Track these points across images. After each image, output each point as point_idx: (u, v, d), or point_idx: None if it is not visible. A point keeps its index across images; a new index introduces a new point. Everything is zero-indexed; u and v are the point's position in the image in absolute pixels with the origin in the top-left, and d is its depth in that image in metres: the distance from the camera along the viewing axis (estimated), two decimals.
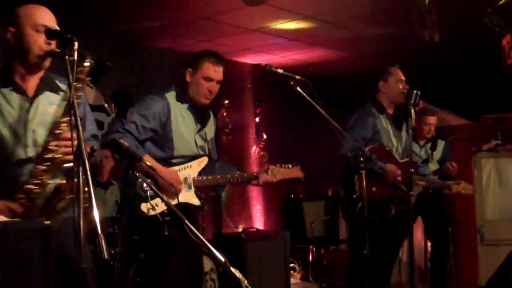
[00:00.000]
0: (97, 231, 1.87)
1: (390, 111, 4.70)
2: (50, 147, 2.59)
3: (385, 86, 4.68)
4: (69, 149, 2.55)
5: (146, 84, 6.64)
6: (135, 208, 3.54)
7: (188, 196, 3.73)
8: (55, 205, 2.48)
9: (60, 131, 2.61)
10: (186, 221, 2.48)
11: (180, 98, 3.75)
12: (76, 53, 2.29)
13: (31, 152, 2.65)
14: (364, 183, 3.69)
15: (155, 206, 3.34)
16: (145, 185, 3.34)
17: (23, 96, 2.71)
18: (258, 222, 7.86)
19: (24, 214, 2.46)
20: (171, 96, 3.75)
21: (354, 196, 4.27)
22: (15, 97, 2.69)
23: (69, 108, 2.20)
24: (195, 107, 3.77)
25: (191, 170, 3.75)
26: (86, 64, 2.66)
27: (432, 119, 5.70)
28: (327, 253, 7.21)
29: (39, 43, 2.65)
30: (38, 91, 2.74)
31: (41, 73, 2.76)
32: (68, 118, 2.56)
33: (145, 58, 6.88)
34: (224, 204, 7.41)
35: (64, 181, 2.53)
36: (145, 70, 6.81)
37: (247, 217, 7.82)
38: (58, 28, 2.48)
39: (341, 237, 7.51)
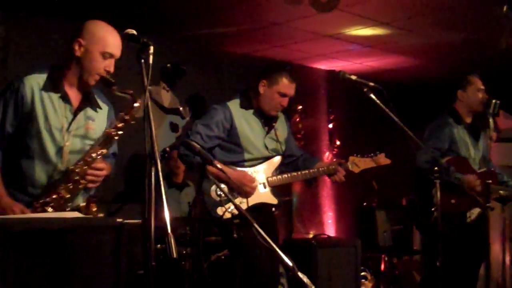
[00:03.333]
0: (167, 230, 1.91)
1: (468, 120, 4.59)
2: (77, 171, 2.70)
3: (464, 95, 4.58)
4: (95, 179, 2.70)
5: (220, 88, 6.73)
6: (211, 212, 3.63)
7: (264, 196, 3.80)
8: None
9: (91, 159, 2.72)
10: (255, 225, 2.49)
11: (245, 105, 3.85)
12: (151, 57, 2.35)
13: (60, 164, 2.75)
14: (438, 194, 3.60)
15: (230, 209, 3.42)
16: (218, 189, 3.44)
17: (67, 107, 2.80)
18: (330, 229, 7.79)
19: None
20: (234, 104, 3.84)
21: (432, 209, 4.18)
22: (61, 106, 2.79)
23: (144, 109, 2.26)
24: (261, 112, 3.83)
25: (265, 171, 3.82)
26: (136, 105, 2.76)
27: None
28: (399, 263, 7.07)
29: (100, 69, 2.77)
30: (81, 105, 2.85)
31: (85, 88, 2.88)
32: (104, 150, 2.74)
33: (219, 63, 6.96)
34: (295, 210, 7.40)
35: (84, 204, 2.62)
36: (220, 75, 6.89)
37: (318, 224, 7.76)
38: (135, 33, 2.56)
39: (414, 248, 7.35)
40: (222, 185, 3.46)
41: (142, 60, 2.39)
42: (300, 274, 2.35)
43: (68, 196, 2.67)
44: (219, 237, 4.85)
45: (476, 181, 4.31)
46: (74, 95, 2.82)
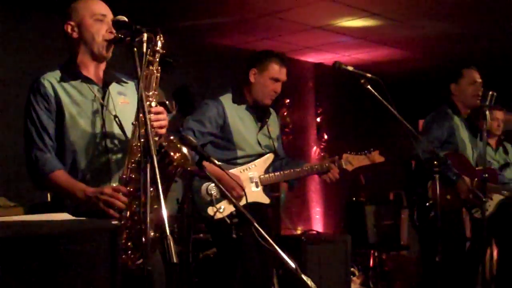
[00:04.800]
0: (166, 232, 1.76)
1: (465, 114, 4.49)
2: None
3: (457, 89, 4.48)
4: (161, 123, 2.49)
5: (207, 82, 6.57)
6: (201, 212, 3.50)
7: (256, 195, 3.68)
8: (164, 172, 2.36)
9: (148, 106, 2.48)
10: (255, 224, 2.35)
11: (237, 100, 3.73)
12: (145, 45, 2.19)
13: (119, 135, 2.59)
14: (438, 189, 3.49)
15: (221, 209, 3.29)
16: (209, 188, 3.31)
17: (95, 87, 2.66)
18: (317, 224, 7.69)
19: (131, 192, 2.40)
20: (226, 98, 3.73)
21: (428, 204, 4.08)
22: (86, 88, 2.63)
23: (138, 102, 2.11)
24: (253, 107, 3.72)
25: (257, 169, 3.70)
26: (159, 37, 2.50)
27: (499, 114, 5.26)
28: (388, 258, 6.99)
29: (102, 32, 2.61)
30: (107, 81, 2.69)
31: (103, 65, 2.72)
32: (153, 92, 2.51)
33: (207, 56, 6.80)
34: (282, 205, 7.28)
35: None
36: (207, 68, 6.74)
37: (306, 219, 7.66)
38: (126, 19, 2.40)
39: (402, 243, 7.27)
40: (212, 185, 3.30)
41: (135, 49, 2.23)
42: (304, 276, 2.21)
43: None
44: (207, 235, 4.73)
45: (465, 186, 4.19)
46: (95, 75, 2.68)
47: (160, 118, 2.49)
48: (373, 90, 3.38)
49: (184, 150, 2.44)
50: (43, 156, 2.54)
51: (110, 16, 2.64)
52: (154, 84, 2.50)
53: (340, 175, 3.95)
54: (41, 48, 5.35)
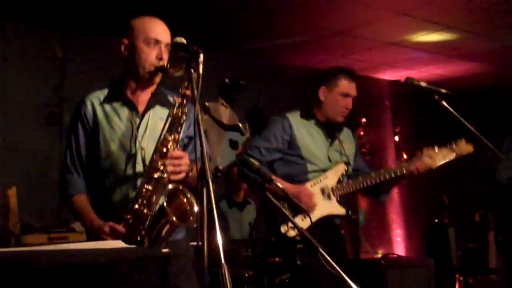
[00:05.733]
0: (221, 260, 1.68)
1: None
2: (157, 166, 2.45)
3: None
4: (176, 169, 2.42)
5: (280, 103, 6.51)
6: (275, 231, 3.43)
7: (330, 207, 3.54)
8: (161, 228, 2.33)
9: (166, 149, 2.46)
10: (321, 249, 2.23)
11: (305, 115, 3.64)
12: (201, 66, 2.14)
13: (139, 170, 2.55)
14: None
15: (293, 227, 3.20)
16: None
17: (133, 111, 2.62)
18: (399, 247, 7.43)
19: (127, 235, 2.36)
20: (293, 115, 3.66)
21: None
22: (125, 112, 2.61)
23: (194, 125, 2.05)
24: (323, 123, 3.61)
25: (328, 180, 3.57)
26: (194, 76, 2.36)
27: None
28: (476, 283, 6.64)
29: (150, 58, 2.55)
30: (149, 106, 2.64)
31: (152, 88, 2.67)
32: (176, 136, 2.46)
33: (279, 76, 6.77)
34: (362, 228, 7.09)
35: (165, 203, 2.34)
36: (280, 89, 6.69)
37: (387, 242, 7.42)
38: (184, 41, 2.35)
39: (490, 266, 6.91)
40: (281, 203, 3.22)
41: (192, 70, 2.19)
42: None
43: (154, 198, 2.43)
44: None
45: None
46: (139, 99, 2.65)
47: (175, 163, 2.42)
48: (448, 106, 3.20)
49: (191, 206, 2.31)
50: (70, 178, 2.62)
51: (165, 40, 2.58)
52: (178, 128, 2.46)
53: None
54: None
